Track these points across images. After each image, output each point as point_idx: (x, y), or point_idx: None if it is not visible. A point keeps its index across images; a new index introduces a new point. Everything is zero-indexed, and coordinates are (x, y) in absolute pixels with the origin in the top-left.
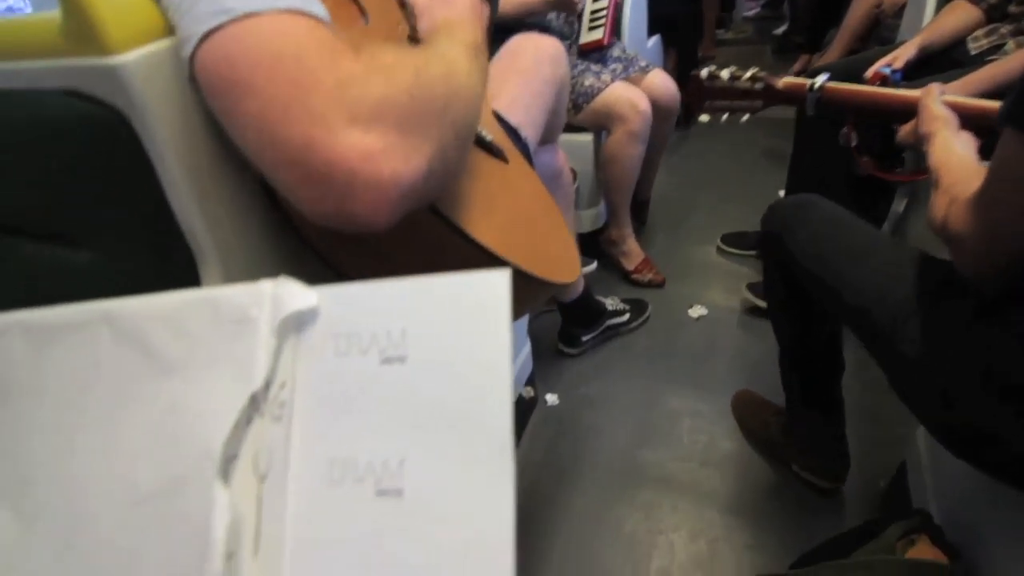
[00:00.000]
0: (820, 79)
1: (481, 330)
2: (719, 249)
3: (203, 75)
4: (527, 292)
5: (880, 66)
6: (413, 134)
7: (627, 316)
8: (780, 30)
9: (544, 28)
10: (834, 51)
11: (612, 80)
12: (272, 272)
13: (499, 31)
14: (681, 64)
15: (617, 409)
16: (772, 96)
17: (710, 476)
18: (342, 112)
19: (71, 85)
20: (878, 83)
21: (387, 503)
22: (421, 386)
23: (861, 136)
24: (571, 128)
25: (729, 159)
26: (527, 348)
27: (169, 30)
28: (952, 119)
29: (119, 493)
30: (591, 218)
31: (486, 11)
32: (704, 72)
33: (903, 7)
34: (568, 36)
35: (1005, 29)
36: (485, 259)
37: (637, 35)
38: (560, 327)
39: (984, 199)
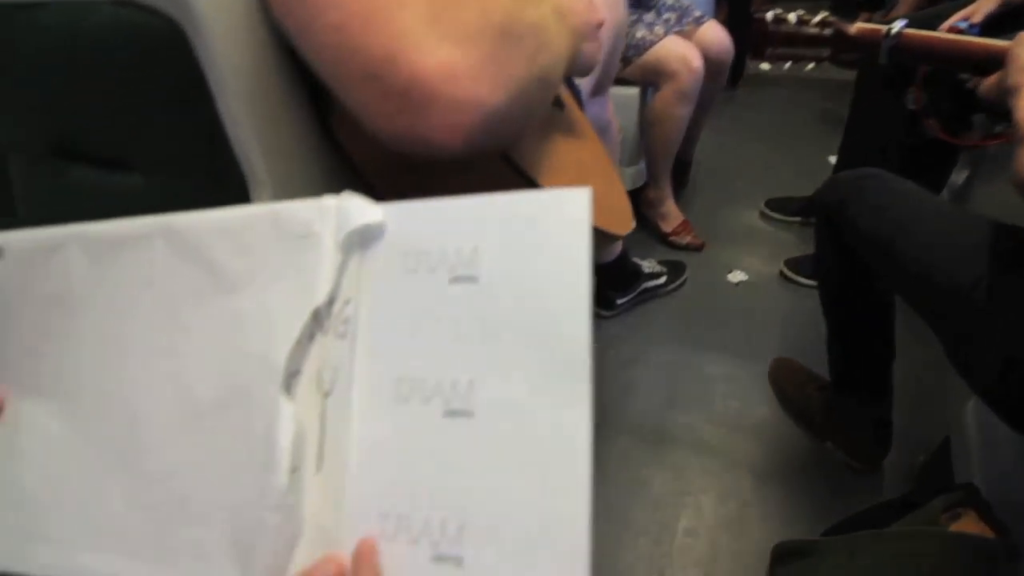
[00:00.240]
0: (897, 24)
1: (560, 249)
2: (762, 214)
3: None
4: None
5: (956, 20)
6: (500, 65)
7: (664, 279)
8: None
9: None
10: (902, 7)
11: (665, 33)
12: None
13: None
14: (732, 16)
15: (650, 371)
16: (842, 43)
17: (742, 442)
18: (431, 30)
19: None
20: None
21: (456, 424)
22: (493, 306)
23: (930, 97)
24: (617, 81)
25: (777, 121)
26: None
27: None
28: None
29: (176, 405)
30: (631, 177)
31: None
32: (770, 15)
33: None
34: None
35: None
36: None
37: None
38: (595, 288)
39: None
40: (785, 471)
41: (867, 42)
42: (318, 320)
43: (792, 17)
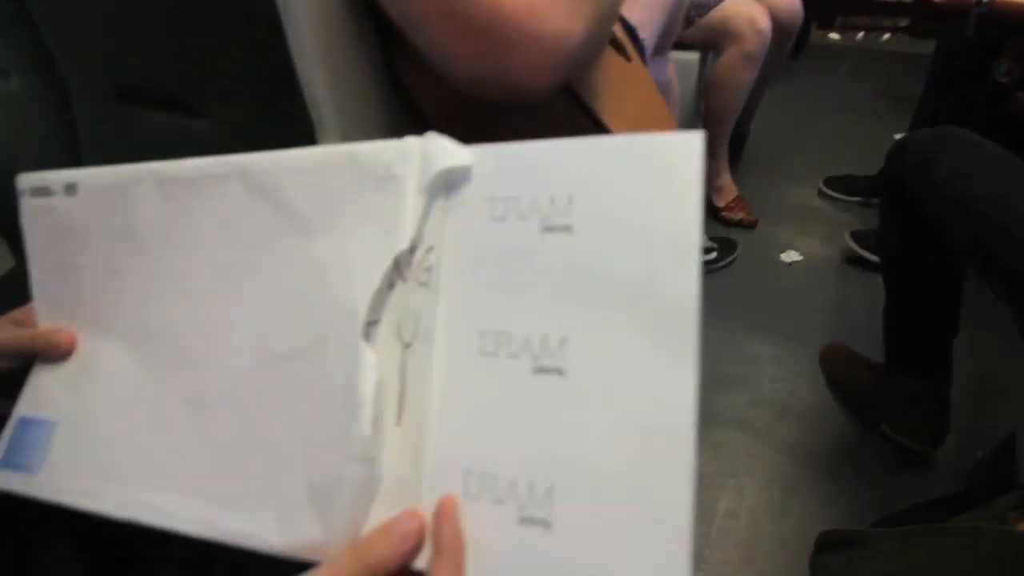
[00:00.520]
0: None
1: (667, 198)
2: (821, 192)
3: None
4: None
5: None
6: None
7: (714, 255)
8: None
9: None
10: None
11: None
12: None
13: None
14: None
15: None
16: (925, 11)
17: (789, 426)
18: None
19: None
20: None
21: (545, 381)
22: (589, 258)
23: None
24: (674, 45)
25: (840, 96)
26: None
27: None
28: None
29: (251, 351)
30: None
31: None
32: None
33: None
34: None
35: None
36: None
37: None
38: None
39: None
40: (831, 459)
41: (954, 10)
42: (398, 268)
43: None
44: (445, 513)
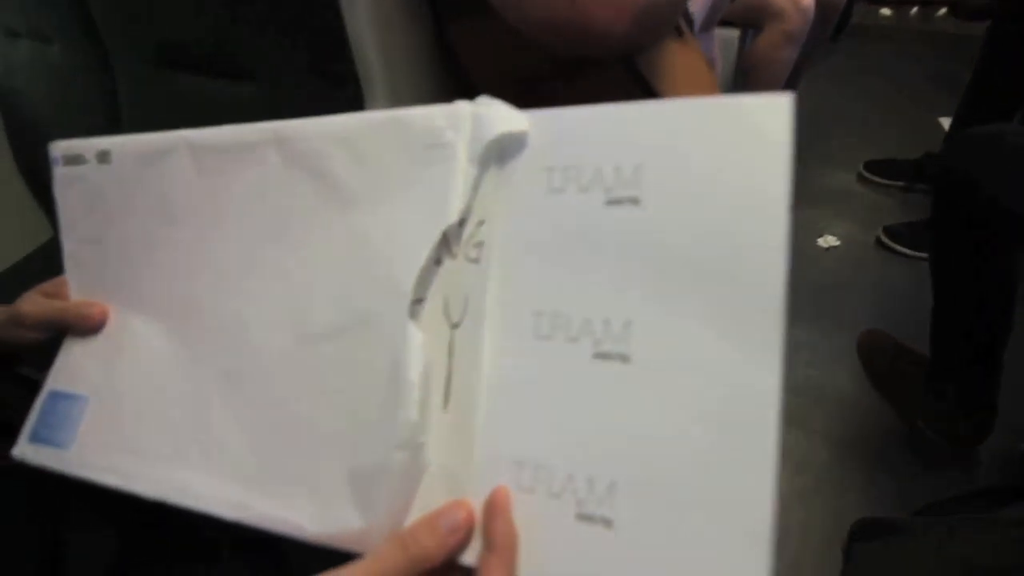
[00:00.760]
0: None
1: (752, 167)
2: (860, 176)
3: None
4: None
5: None
6: None
7: None
8: None
9: None
10: None
11: None
12: None
13: None
14: None
15: None
16: None
17: (823, 413)
18: None
19: None
20: None
21: (607, 368)
22: (659, 235)
23: None
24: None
25: (882, 77)
26: None
27: None
28: None
29: (289, 328)
30: None
31: None
32: None
33: None
34: None
35: None
36: None
37: None
38: None
39: None
40: (866, 448)
41: None
42: (446, 243)
43: None
44: (498, 506)
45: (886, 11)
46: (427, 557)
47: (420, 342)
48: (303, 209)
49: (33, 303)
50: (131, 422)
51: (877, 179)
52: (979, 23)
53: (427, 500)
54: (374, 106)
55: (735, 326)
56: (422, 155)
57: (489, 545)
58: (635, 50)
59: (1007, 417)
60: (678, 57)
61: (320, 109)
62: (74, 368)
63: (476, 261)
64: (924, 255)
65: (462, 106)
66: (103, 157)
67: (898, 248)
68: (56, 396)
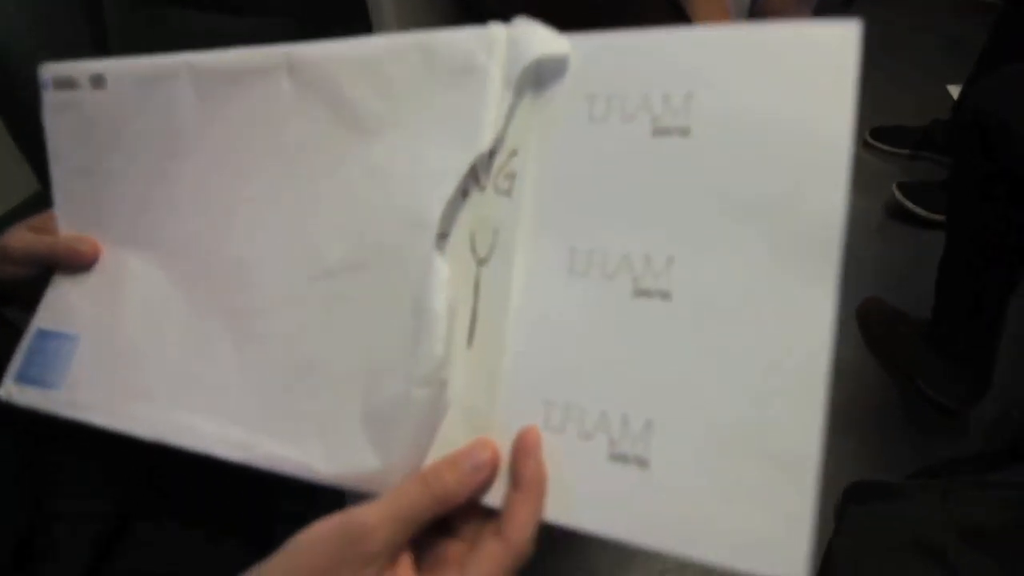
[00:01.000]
0: None
1: (814, 98)
2: (865, 143)
3: None
4: None
5: None
6: None
7: None
8: None
9: None
10: None
11: None
12: None
13: None
14: None
15: None
16: None
17: None
18: None
19: None
20: None
21: (647, 306)
22: (709, 166)
23: None
24: None
25: (890, 44)
26: None
27: None
28: None
29: (300, 263)
30: None
31: None
32: None
33: None
34: None
35: None
36: None
37: None
38: None
39: None
40: (864, 414)
41: None
42: (475, 174)
43: None
44: (527, 445)
45: None
46: (449, 495)
47: (446, 276)
48: (317, 139)
49: (20, 237)
50: (126, 361)
51: (883, 146)
52: None
53: (448, 441)
54: None
55: (789, 261)
56: (451, 80)
57: (517, 485)
58: None
59: (999, 384)
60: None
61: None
62: (64, 306)
63: (507, 193)
64: (936, 216)
65: (496, 28)
66: (97, 81)
67: (912, 207)
68: (44, 335)
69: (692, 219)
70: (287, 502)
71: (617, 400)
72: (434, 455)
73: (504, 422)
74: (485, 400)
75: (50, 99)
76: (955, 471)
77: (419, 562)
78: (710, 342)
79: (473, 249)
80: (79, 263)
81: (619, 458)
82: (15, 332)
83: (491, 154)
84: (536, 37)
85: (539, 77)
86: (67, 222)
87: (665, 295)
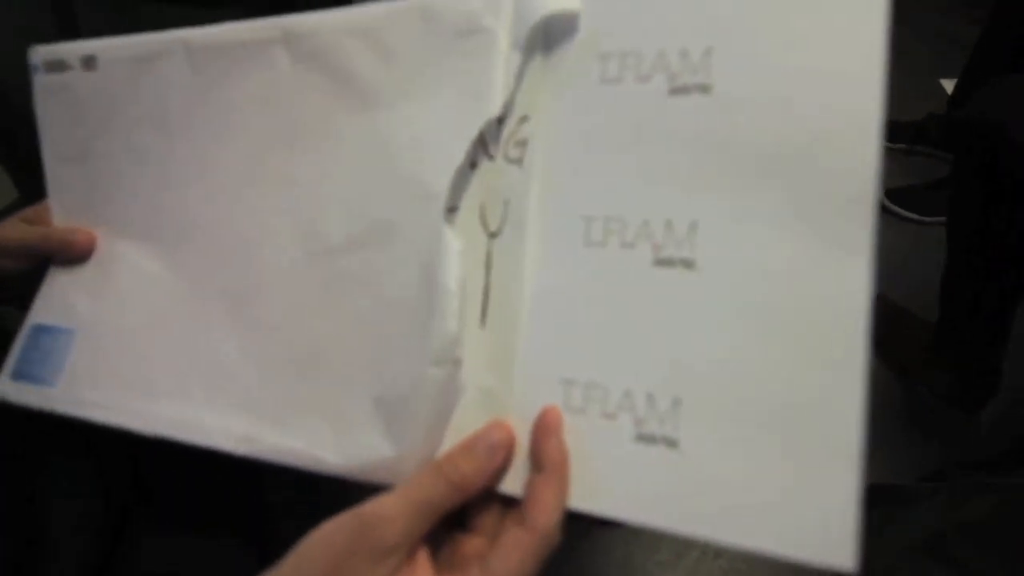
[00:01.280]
0: None
1: (838, 47)
2: None
3: None
4: None
5: None
6: None
7: None
8: None
9: None
10: None
11: None
12: None
13: None
14: None
15: None
16: None
17: None
18: None
19: None
20: None
21: (670, 275)
22: (732, 125)
23: None
24: None
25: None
26: None
27: None
28: None
29: (301, 241)
30: None
31: None
32: None
33: None
34: None
35: None
36: None
37: None
38: None
39: None
40: (868, 415)
41: None
42: (483, 143)
43: None
44: (548, 425)
45: None
46: (466, 482)
47: (457, 249)
48: (316, 112)
49: (13, 229)
50: (124, 354)
51: None
52: None
53: (463, 425)
54: None
55: (820, 222)
56: (455, 44)
57: (539, 467)
58: None
59: (1008, 382)
60: None
61: None
62: (59, 300)
63: (518, 162)
64: (929, 219)
65: None
66: (88, 63)
67: (903, 212)
68: (39, 330)
69: (715, 181)
70: (281, 493)
71: (642, 377)
72: (449, 442)
73: (522, 404)
74: (501, 382)
75: (41, 82)
76: (963, 474)
77: (435, 560)
78: (739, 312)
79: (483, 222)
80: (74, 254)
81: (646, 439)
82: (8, 335)
83: (500, 121)
84: None
85: (548, 37)
86: (61, 212)
87: (689, 264)
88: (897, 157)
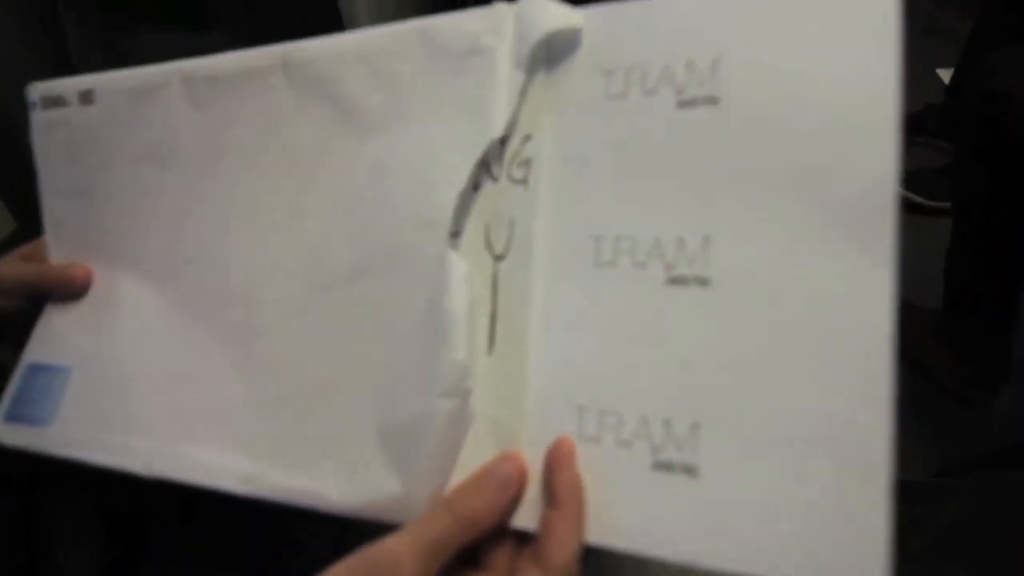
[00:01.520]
0: None
1: (850, 53)
2: None
3: None
4: None
5: None
6: None
7: None
8: None
9: None
10: None
11: None
12: None
13: None
14: None
15: None
16: None
17: None
18: None
19: None
20: None
21: (683, 295)
22: (743, 137)
23: None
24: None
25: None
26: None
27: None
28: None
29: (303, 274)
30: None
31: None
32: None
33: None
34: None
35: None
36: None
37: None
38: None
39: None
40: None
41: None
42: (486, 164)
43: None
44: (561, 457)
45: None
46: (478, 519)
47: (464, 274)
48: (316, 140)
49: (9, 266)
50: (123, 393)
51: None
52: None
53: (473, 458)
54: None
55: (837, 234)
56: (456, 66)
57: (553, 501)
58: None
59: (1020, 372)
60: None
61: None
62: (55, 337)
63: (523, 182)
64: (935, 203)
65: (501, 6)
66: (86, 97)
67: (908, 195)
68: (35, 369)
69: (727, 195)
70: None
71: (657, 402)
72: (458, 475)
73: (533, 434)
74: (511, 411)
75: (38, 119)
76: (980, 468)
77: None
78: (756, 330)
79: (488, 245)
80: (70, 290)
81: (664, 467)
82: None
83: (503, 141)
84: (545, 11)
85: (551, 54)
86: (58, 249)
87: (703, 281)
88: None
